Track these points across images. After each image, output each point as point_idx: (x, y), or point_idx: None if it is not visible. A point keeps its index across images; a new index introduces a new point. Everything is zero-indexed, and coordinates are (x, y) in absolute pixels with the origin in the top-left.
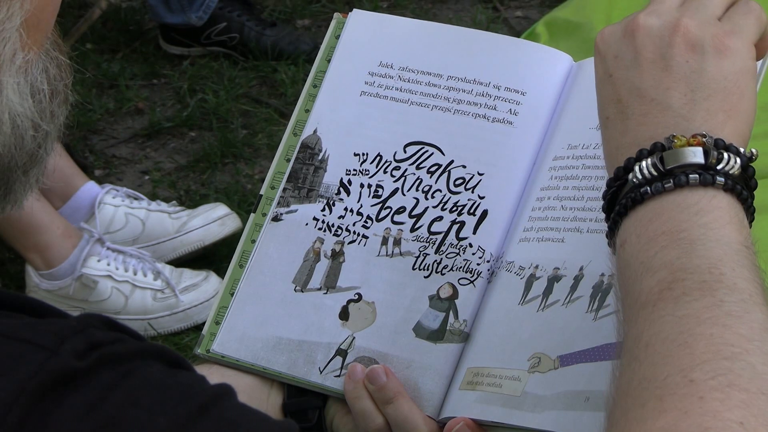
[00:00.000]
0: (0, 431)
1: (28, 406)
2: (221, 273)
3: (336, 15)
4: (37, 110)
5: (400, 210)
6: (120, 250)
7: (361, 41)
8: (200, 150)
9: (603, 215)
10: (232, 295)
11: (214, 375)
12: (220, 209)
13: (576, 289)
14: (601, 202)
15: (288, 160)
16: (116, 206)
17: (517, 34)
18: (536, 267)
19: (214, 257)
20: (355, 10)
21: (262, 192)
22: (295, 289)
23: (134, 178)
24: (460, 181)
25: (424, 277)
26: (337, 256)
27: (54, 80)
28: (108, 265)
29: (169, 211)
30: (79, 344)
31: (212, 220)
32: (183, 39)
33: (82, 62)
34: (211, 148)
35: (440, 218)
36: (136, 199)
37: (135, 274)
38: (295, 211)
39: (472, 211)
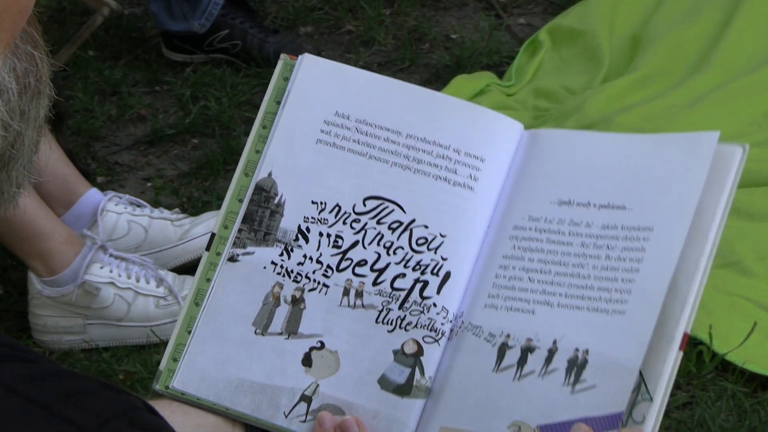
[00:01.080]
0: None
1: None
2: None
3: (283, 56)
4: (6, 110)
5: (362, 263)
6: (123, 257)
7: (315, 87)
8: (203, 157)
9: (572, 291)
10: (189, 332)
11: (176, 412)
12: None
13: (551, 362)
14: (569, 278)
15: (240, 201)
16: (119, 213)
17: (520, 42)
18: (508, 336)
19: None
20: (306, 54)
21: (214, 231)
22: (255, 332)
23: (137, 185)
24: (423, 240)
25: (388, 331)
26: (297, 302)
27: (23, 76)
28: (111, 272)
29: (171, 219)
30: (121, 426)
31: None
32: (185, 46)
33: (84, 69)
34: (214, 155)
35: (403, 275)
36: (138, 206)
37: (138, 281)
38: (252, 253)
39: (435, 271)
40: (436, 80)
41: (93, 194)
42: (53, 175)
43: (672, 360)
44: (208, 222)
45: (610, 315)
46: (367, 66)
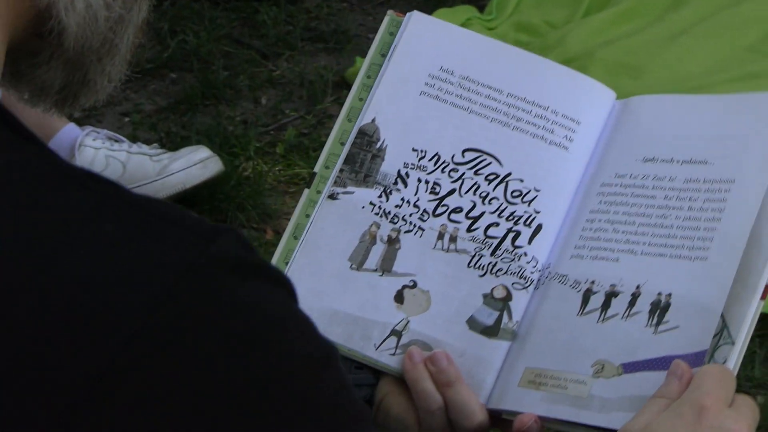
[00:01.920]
0: (168, 301)
1: (191, 285)
2: (203, 214)
3: (390, 12)
4: None
5: (457, 210)
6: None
7: (421, 43)
8: (181, 92)
9: (655, 239)
10: (286, 264)
11: None
12: (201, 152)
13: (634, 305)
14: (652, 228)
15: (342, 144)
16: (96, 149)
17: None
18: (592, 282)
19: (195, 200)
20: (415, 12)
21: (316, 170)
22: (351, 267)
23: (114, 120)
24: (517, 193)
25: (479, 276)
26: (393, 242)
27: None
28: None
29: (149, 154)
30: (233, 238)
31: (194, 163)
32: None
33: None
34: (192, 90)
35: (497, 224)
36: (116, 141)
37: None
38: (352, 192)
39: (528, 223)
40: None
41: (70, 129)
42: (29, 109)
43: (754, 308)
44: (188, 157)
45: (692, 261)
46: None
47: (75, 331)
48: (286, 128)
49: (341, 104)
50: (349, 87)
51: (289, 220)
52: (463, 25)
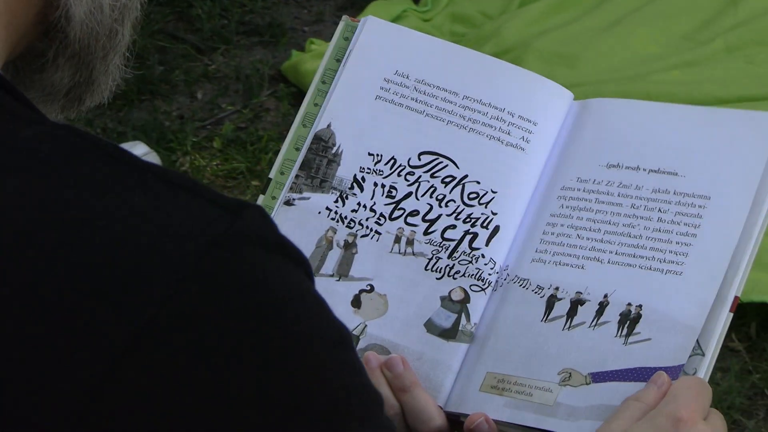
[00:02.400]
0: (194, 273)
1: (217, 257)
2: None
3: (344, 18)
4: None
5: (414, 213)
6: None
7: (376, 47)
8: (116, 87)
9: (623, 249)
10: None
11: None
12: (139, 147)
13: (602, 314)
14: (619, 236)
15: (298, 149)
16: None
17: None
18: (557, 288)
19: None
20: (370, 16)
21: (271, 176)
22: None
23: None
24: (474, 195)
25: (436, 278)
26: (349, 246)
27: None
28: None
29: None
30: (258, 214)
31: None
32: None
33: None
34: (128, 85)
35: (454, 226)
36: None
37: None
38: (308, 198)
39: (485, 224)
40: (352, 6)
41: None
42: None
43: (723, 320)
44: None
45: (665, 274)
46: None
47: (104, 300)
48: (223, 123)
49: (278, 98)
50: (285, 80)
51: None
52: (398, 17)
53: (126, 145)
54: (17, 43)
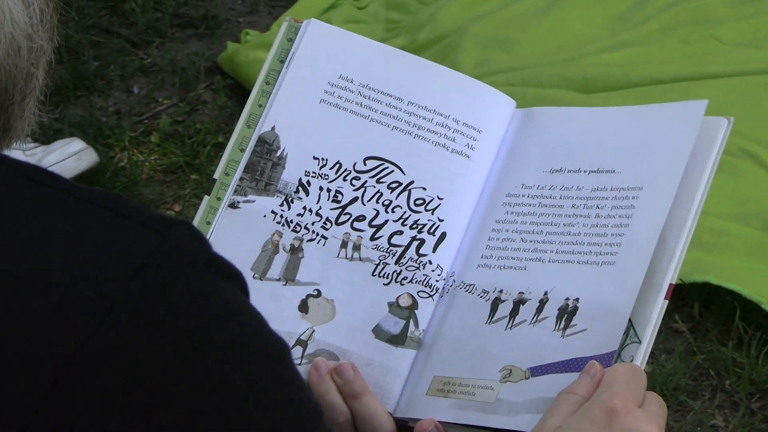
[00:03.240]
0: (123, 300)
1: (146, 282)
2: None
3: (288, 18)
4: (30, 21)
5: (360, 218)
6: None
7: (320, 50)
8: (51, 83)
9: (563, 247)
10: None
11: None
12: (75, 144)
13: (542, 311)
14: (560, 236)
15: (242, 150)
16: None
17: None
18: (500, 291)
19: None
20: (313, 19)
21: (216, 177)
22: (253, 276)
23: None
24: (421, 201)
25: (384, 284)
26: (295, 251)
27: (43, 8)
28: None
29: (22, 149)
30: (186, 231)
31: (68, 156)
32: None
33: None
34: (63, 81)
35: (400, 232)
36: None
37: None
38: (253, 201)
39: (431, 231)
40: None
41: None
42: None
43: (659, 307)
44: (62, 150)
45: (600, 266)
46: None
47: (31, 333)
48: (160, 116)
49: (214, 90)
50: (222, 72)
51: (166, 210)
52: (332, 6)
53: (62, 142)
54: None
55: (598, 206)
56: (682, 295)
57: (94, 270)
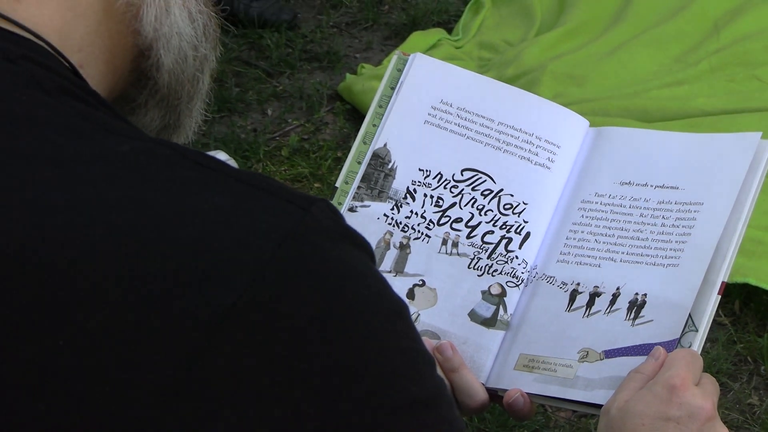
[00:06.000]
0: (270, 263)
1: (290, 249)
2: None
3: (398, 53)
4: (195, 34)
5: (458, 220)
6: None
7: (424, 79)
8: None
9: (632, 249)
10: None
11: None
12: (220, 155)
13: (615, 303)
14: (630, 240)
15: (359, 163)
16: None
17: (465, 2)
18: (578, 284)
19: None
20: (419, 53)
21: (337, 185)
22: None
23: None
24: (509, 206)
25: (478, 275)
26: (404, 247)
27: (203, 16)
28: None
29: None
30: (325, 207)
31: None
32: None
33: None
34: (209, 104)
35: (492, 232)
36: None
37: None
38: (368, 206)
39: (518, 231)
40: (395, 36)
41: None
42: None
43: (713, 301)
44: None
45: (665, 268)
46: (336, 25)
47: (195, 287)
48: (289, 135)
49: (335, 113)
50: (341, 99)
51: None
52: (434, 45)
53: (209, 153)
54: (115, 84)
55: (663, 216)
56: (725, 293)
57: (247, 238)
